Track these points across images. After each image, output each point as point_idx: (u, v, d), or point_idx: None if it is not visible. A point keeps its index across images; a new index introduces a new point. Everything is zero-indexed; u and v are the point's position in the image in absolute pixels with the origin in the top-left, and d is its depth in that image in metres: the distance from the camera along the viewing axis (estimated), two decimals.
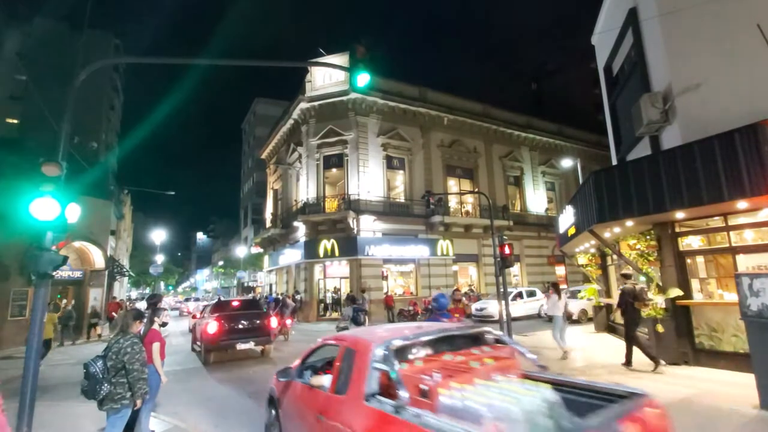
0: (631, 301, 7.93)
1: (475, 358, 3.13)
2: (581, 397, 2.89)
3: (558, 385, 2.91)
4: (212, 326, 10.10)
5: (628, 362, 7.89)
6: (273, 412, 4.68)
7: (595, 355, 9.55)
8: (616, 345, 10.83)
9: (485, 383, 2.61)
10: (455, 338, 3.54)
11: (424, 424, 2.28)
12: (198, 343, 11.63)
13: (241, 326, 10.54)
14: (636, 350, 7.86)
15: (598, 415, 2.31)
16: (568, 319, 14.58)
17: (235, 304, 12.06)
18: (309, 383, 3.86)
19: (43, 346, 12.65)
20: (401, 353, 3.10)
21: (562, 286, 15.72)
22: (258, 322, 10.83)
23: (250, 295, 32.11)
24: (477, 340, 3.68)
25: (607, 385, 2.93)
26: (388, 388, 2.88)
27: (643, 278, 8.99)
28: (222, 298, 16.74)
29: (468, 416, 2.25)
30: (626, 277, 8.54)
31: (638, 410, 2.53)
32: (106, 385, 3.91)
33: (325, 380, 3.61)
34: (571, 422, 2.13)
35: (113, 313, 17.43)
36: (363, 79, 6.42)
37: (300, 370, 4.37)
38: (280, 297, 21.31)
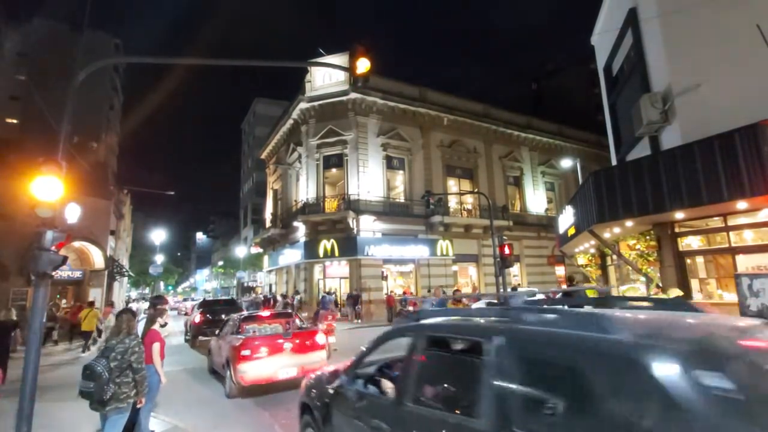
0: None
1: None
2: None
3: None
4: (197, 318, 14.52)
5: None
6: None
7: None
8: None
9: None
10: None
11: None
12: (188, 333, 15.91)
13: (218, 319, 13.45)
14: None
15: None
16: None
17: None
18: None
19: (84, 338, 13.59)
20: None
21: (563, 286, 15.69)
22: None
23: (254, 295, 32.21)
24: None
25: None
26: None
27: (643, 278, 9.00)
28: (205, 299, 20.46)
29: None
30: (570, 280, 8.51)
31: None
32: (111, 385, 3.92)
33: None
34: None
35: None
36: (363, 70, 6.41)
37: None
38: (269, 296, 21.52)
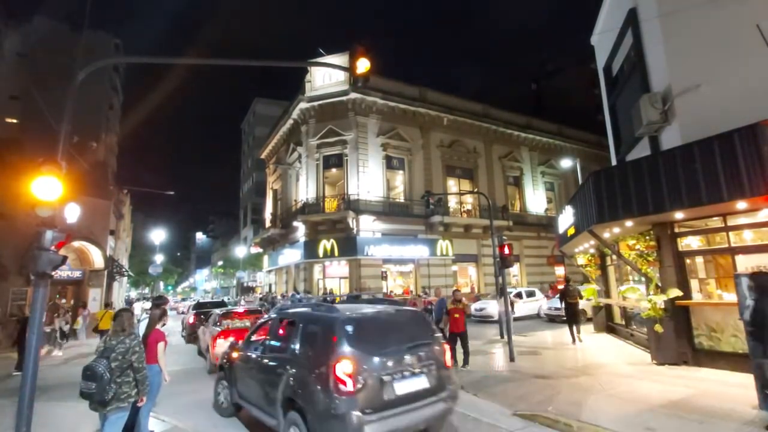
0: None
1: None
2: None
3: None
4: (191, 318, 16.56)
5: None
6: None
7: (595, 354, 9.56)
8: (616, 345, 10.85)
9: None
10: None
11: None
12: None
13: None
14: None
15: None
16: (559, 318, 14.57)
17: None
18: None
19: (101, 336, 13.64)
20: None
21: (560, 287, 15.68)
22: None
23: (261, 294, 32.21)
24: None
25: None
26: None
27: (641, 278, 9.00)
28: (199, 301, 23.13)
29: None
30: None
31: None
32: (113, 385, 3.94)
33: None
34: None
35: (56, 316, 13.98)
36: (363, 69, 6.41)
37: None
38: (272, 296, 21.56)
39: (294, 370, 4.49)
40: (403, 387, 4.16)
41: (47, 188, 4.34)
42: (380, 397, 4.00)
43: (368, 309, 4.95)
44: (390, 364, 4.17)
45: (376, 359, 4.12)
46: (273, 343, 5.31)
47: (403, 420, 4.05)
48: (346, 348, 4.05)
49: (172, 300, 50.24)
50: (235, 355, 6.11)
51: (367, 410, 3.87)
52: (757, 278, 5.31)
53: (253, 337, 5.95)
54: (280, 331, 5.31)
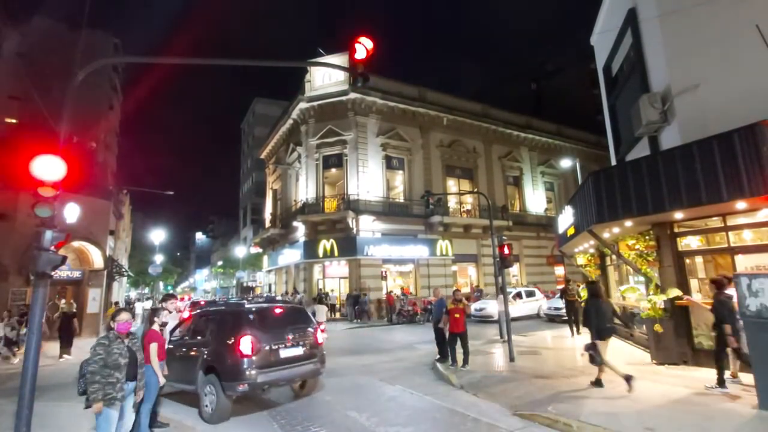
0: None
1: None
2: None
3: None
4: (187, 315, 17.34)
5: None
6: None
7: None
8: (616, 345, 10.85)
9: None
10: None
11: None
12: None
13: None
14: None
15: None
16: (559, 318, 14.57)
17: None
18: None
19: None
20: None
21: (559, 287, 15.69)
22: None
23: (265, 295, 32.32)
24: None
25: None
26: None
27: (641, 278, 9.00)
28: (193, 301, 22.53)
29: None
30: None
31: None
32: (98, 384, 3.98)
33: None
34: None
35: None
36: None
37: None
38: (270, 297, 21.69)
39: (212, 347, 6.35)
40: (285, 353, 6.36)
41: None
42: (269, 359, 6.12)
43: (264, 305, 7.07)
44: (277, 338, 6.32)
45: (267, 335, 6.23)
46: (195, 332, 7.04)
47: (285, 374, 6.27)
48: (247, 328, 6.12)
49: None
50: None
51: (261, 367, 5.96)
52: (589, 286, 7.56)
53: (176, 333, 7.26)
54: (201, 325, 7.07)
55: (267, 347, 6.10)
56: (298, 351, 6.52)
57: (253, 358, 5.89)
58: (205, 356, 6.30)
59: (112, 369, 4.03)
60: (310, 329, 6.95)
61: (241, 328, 6.10)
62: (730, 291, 6.13)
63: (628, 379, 6.24)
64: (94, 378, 3.96)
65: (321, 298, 16.61)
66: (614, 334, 12.26)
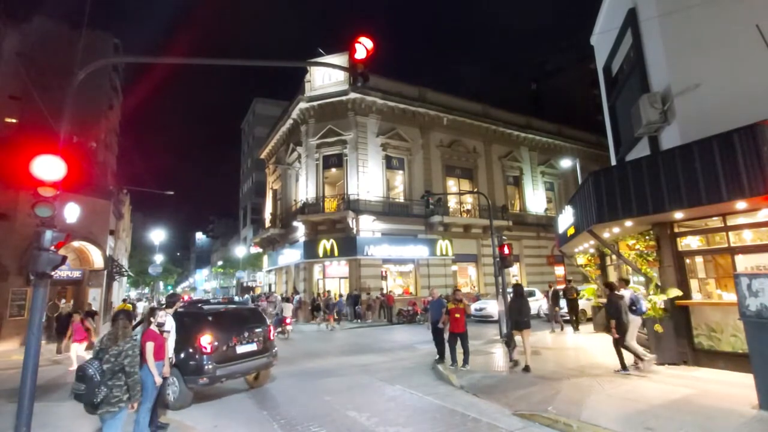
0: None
1: None
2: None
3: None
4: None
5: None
6: None
7: (595, 354, 9.56)
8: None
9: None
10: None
11: None
12: None
13: None
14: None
15: None
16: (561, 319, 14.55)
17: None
18: None
19: None
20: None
21: (559, 287, 15.64)
22: None
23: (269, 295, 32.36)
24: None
25: None
26: None
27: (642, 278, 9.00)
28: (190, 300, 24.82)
29: None
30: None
31: None
32: (103, 388, 3.81)
33: None
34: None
35: None
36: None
37: None
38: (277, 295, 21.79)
39: (175, 346, 6.77)
40: (241, 349, 7.19)
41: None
42: (227, 354, 6.91)
43: (221, 306, 8.00)
44: (233, 336, 7.10)
45: (224, 334, 6.99)
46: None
47: (241, 367, 7.09)
48: (207, 328, 6.85)
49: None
50: None
51: (219, 362, 6.71)
52: (515, 287, 8.81)
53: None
54: None
55: (224, 345, 6.90)
56: (252, 347, 7.39)
57: (212, 354, 6.65)
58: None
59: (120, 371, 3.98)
60: (264, 327, 7.82)
61: (201, 327, 6.85)
62: (624, 292, 7.95)
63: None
64: (139, 379, 4.08)
65: (287, 297, 19.22)
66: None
